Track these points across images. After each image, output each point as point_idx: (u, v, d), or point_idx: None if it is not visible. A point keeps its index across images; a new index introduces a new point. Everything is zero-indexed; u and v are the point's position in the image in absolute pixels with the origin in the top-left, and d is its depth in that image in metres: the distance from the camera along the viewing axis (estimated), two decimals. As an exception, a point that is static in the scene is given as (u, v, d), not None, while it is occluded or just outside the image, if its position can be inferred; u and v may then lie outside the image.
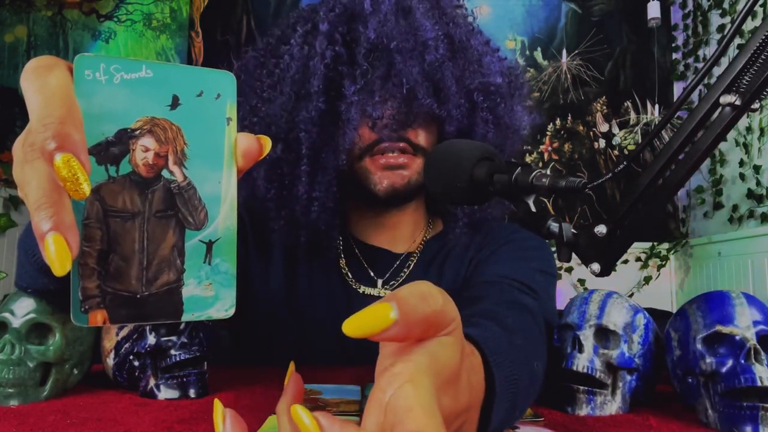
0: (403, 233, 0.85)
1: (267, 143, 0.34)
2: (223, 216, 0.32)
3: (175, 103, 0.31)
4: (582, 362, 0.52)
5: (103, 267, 0.30)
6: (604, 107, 2.95)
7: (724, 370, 0.47)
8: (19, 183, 0.29)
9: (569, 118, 2.95)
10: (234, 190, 0.33)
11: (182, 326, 0.62)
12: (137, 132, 0.30)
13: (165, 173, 0.31)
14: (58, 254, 0.26)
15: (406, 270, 0.83)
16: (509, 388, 0.40)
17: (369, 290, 0.82)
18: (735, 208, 2.54)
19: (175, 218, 0.31)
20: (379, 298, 0.80)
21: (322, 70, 0.72)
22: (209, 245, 0.32)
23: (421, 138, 0.76)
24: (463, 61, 0.77)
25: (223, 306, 0.32)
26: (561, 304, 0.71)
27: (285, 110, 0.74)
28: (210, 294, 0.32)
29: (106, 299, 0.30)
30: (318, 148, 0.74)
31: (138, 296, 0.31)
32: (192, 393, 0.59)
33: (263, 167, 0.76)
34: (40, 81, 0.28)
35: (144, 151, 0.31)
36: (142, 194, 0.31)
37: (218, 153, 0.32)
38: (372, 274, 0.83)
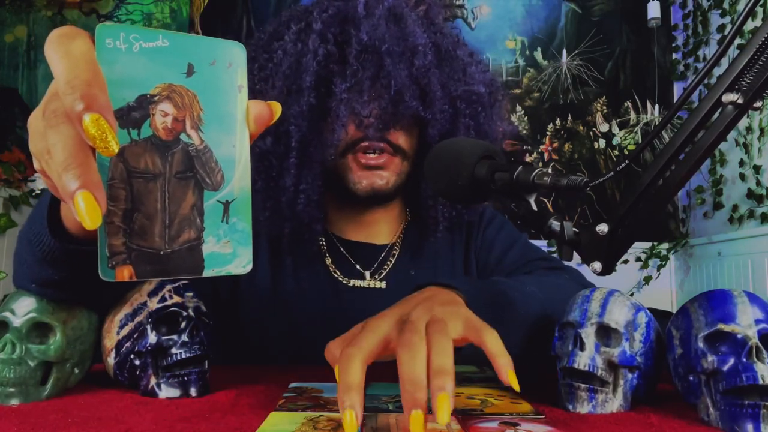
0: (382, 229, 0.88)
1: (277, 109, 0.36)
2: (238, 177, 0.34)
3: (190, 70, 0.33)
4: (583, 360, 0.52)
5: (128, 225, 0.31)
6: (604, 107, 2.95)
7: (725, 368, 0.47)
8: (40, 151, 0.30)
9: (569, 118, 2.95)
10: (247, 153, 0.35)
11: (183, 325, 0.61)
12: (156, 98, 0.32)
13: (183, 137, 0.33)
14: (89, 210, 0.27)
15: (391, 260, 0.85)
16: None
17: (358, 282, 0.83)
18: (735, 208, 2.54)
19: (194, 179, 0.33)
20: (368, 289, 0.82)
21: (313, 67, 0.74)
22: (226, 205, 0.34)
23: (402, 140, 0.78)
24: (449, 69, 0.80)
25: (240, 262, 0.34)
26: (561, 303, 0.73)
27: None
28: (228, 251, 0.34)
29: (131, 255, 0.31)
30: (306, 142, 0.76)
31: (161, 253, 0.32)
32: (193, 392, 0.59)
33: (252, 159, 0.78)
34: (64, 48, 0.29)
35: (163, 116, 0.32)
36: (163, 156, 0.32)
37: (232, 118, 0.34)
38: (358, 267, 0.84)
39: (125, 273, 0.31)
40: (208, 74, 0.33)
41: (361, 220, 0.86)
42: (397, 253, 0.86)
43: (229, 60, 0.34)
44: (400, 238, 0.88)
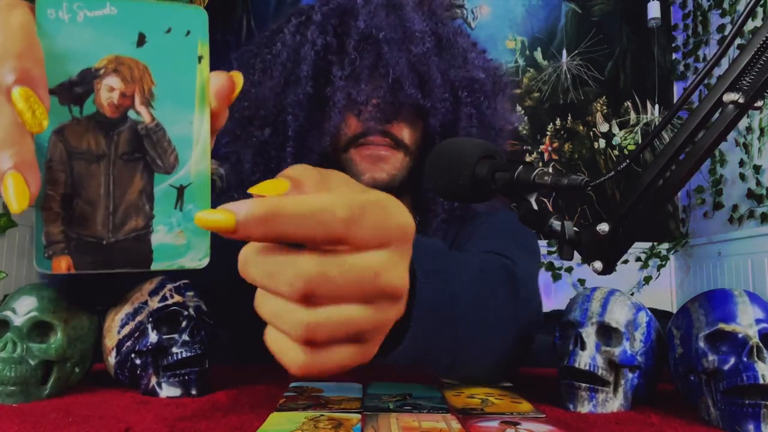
0: None
1: (239, 80, 0.32)
2: (195, 159, 0.31)
3: (141, 40, 0.30)
4: (584, 359, 0.52)
5: (67, 211, 0.29)
6: (604, 107, 2.95)
7: (726, 367, 0.47)
8: None
9: (569, 118, 2.95)
10: (207, 133, 0.31)
11: (183, 324, 0.61)
12: (101, 71, 0.29)
13: (131, 114, 0.30)
14: (17, 192, 0.25)
15: None
16: (437, 289, 0.43)
17: None
18: (735, 208, 2.54)
19: (143, 161, 0.30)
20: None
21: (312, 57, 0.74)
22: (180, 190, 0.30)
23: (405, 134, 0.78)
24: (448, 56, 0.79)
25: (196, 255, 0.31)
26: (561, 303, 0.71)
27: (274, 93, 0.76)
28: (182, 242, 0.30)
29: (70, 245, 0.29)
30: (304, 132, 0.76)
31: (104, 242, 0.29)
32: (194, 391, 0.59)
33: (250, 150, 0.78)
34: (1, 20, 0.28)
35: (109, 91, 0.29)
36: (108, 136, 0.29)
37: (189, 93, 0.31)
38: None
39: (62, 264, 0.28)
40: (161, 44, 0.30)
41: None
42: None
43: (186, 27, 0.31)
44: None
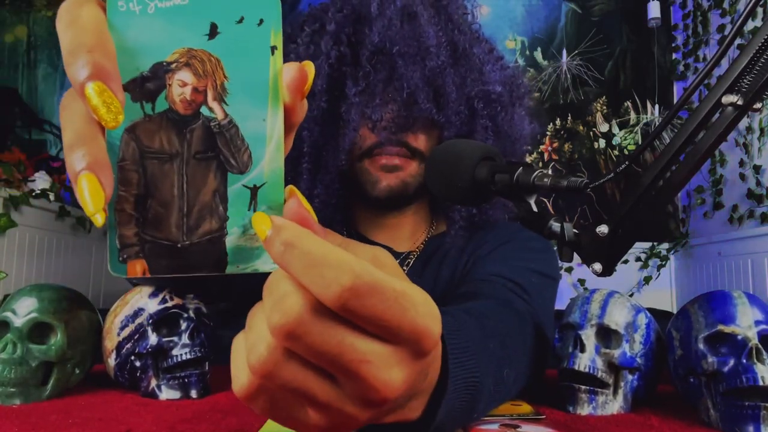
0: (403, 233, 0.86)
1: (311, 71, 0.30)
2: (268, 158, 0.29)
3: (213, 31, 0.28)
4: (584, 362, 0.52)
5: (141, 213, 0.28)
6: (604, 107, 2.95)
7: (725, 369, 0.47)
8: (62, 135, 0.27)
9: (569, 118, 2.95)
10: (281, 129, 0.29)
11: (183, 326, 0.61)
12: (173, 65, 0.28)
13: (204, 110, 0.29)
14: (92, 193, 0.24)
15: (405, 268, 0.83)
16: (466, 388, 0.39)
17: None
18: (735, 208, 2.54)
19: (216, 160, 0.29)
20: None
21: (325, 70, 0.73)
22: (254, 190, 0.29)
23: (421, 142, 0.77)
24: (464, 68, 0.78)
25: (270, 258, 0.29)
26: (561, 304, 0.71)
27: None
28: (256, 245, 0.29)
29: (145, 248, 0.28)
30: (319, 147, 0.75)
31: (179, 246, 0.28)
32: (193, 393, 0.59)
33: None
34: (70, 17, 0.27)
35: (181, 86, 0.28)
36: (180, 134, 0.28)
37: (262, 87, 0.29)
38: None
39: (138, 268, 0.28)
40: (233, 34, 0.28)
41: (383, 223, 0.85)
42: (411, 262, 0.84)
43: (259, 16, 0.29)
44: (419, 248, 0.86)
